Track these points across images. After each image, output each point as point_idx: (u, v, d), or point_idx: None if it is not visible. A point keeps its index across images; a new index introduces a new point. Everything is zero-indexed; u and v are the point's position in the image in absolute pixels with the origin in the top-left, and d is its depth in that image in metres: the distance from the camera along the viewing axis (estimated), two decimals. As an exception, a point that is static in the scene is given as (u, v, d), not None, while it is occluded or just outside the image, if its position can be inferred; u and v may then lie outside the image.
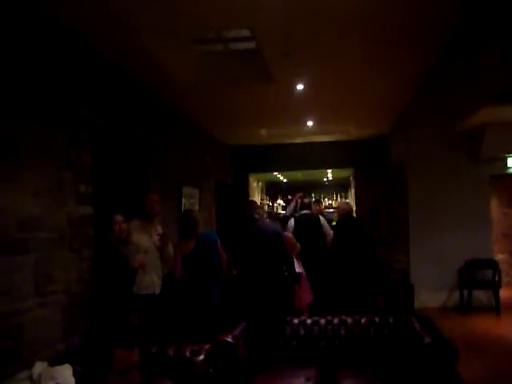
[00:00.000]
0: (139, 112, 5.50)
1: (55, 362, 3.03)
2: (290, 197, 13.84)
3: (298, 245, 6.43)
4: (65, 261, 3.71)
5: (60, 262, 3.65)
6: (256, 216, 5.70)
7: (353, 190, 10.69)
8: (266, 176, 12.71)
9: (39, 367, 2.92)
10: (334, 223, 8.15)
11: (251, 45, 4.48)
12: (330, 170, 12.43)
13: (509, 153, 8.85)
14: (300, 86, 5.84)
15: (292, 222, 7.25)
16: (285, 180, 14.25)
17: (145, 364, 3.20)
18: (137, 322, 4.25)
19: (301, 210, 7.49)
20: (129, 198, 5.18)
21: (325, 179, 14.88)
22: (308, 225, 7.11)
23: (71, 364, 2.98)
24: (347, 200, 12.43)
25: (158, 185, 5.83)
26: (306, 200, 8.46)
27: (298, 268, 6.01)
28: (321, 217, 7.47)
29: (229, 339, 3.77)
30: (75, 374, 2.90)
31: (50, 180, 3.59)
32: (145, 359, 3.28)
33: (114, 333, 2.71)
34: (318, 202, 9.67)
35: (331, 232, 7.15)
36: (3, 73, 3.19)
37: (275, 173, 12.14)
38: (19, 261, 3.24)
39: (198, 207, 7.21)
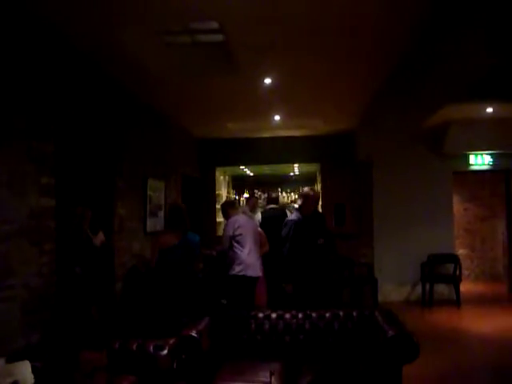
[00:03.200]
0: (105, 103, 5.39)
1: (13, 358, 2.95)
2: (254, 193, 13.85)
3: (268, 246, 6.45)
4: (25, 254, 3.61)
5: (19, 255, 3.55)
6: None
7: (319, 185, 10.75)
8: (233, 170, 12.68)
9: (-4, 364, 2.84)
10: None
11: (219, 37, 4.44)
12: (296, 165, 12.48)
13: (471, 150, 9.07)
14: (268, 80, 5.82)
15: (259, 216, 7.24)
16: (251, 174, 14.25)
17: (108, 360, 3.16)
18: (97, 318, 4.19)
19: (268, 204, 7.49)
20: (93, 191, 5.10)
21: (292, 174, 14.93)
22: (275, 219, 7.09)
23: (30, 361, 2.91)
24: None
25: (122, 177, 5.74)
26: (274, 194, 8.49)
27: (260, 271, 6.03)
28: (288, 211, 7.50)
29: (193, 334, 3.75)
30: (34, 370, 2.83)
31: (10, 171, 3.48)
32: (108, 355, 3.24)
33: (79, 332, 2.67)
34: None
35: None
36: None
37: (242, 167, 12.12)
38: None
39: (163, 201, 7.13)
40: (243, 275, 5.79)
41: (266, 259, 6.29)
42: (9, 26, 3.56)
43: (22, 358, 2.91)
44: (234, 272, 5.82)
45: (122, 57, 4.84)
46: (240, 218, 6.07)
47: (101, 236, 4.67)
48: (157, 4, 3.74)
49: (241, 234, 5.88)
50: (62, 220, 4.18)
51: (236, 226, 5.94)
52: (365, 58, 5.15)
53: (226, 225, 6.12)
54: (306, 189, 6.41)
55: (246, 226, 6.03)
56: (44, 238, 3.88)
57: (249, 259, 5.85)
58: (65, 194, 4.40)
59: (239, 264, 5.81)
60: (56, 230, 4.05)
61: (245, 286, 5.79)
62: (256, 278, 5.91)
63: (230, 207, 6.27)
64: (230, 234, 5.89)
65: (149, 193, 6.58)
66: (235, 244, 5.86)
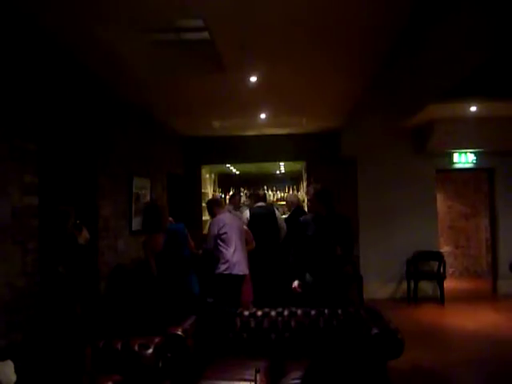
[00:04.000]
0: (90, 101, 5.34)
1: (-4, 358, 2.92)
2: (240, 191, 13.83)
3: (254, 243, 6.46)
4: (7, 253, 3.57)
5: (2, 254, 3.51)
6: None
7: (305, 183, 10.78)
8: (219, 168, 12.66)
9: (-21, 364, 2.81)
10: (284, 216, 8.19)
11: (204, 35, 4.42)
12: (282, 163, 12.50)
13: (454, 148, 9.16)
14: (253, 78, 5.82)
15: (247, 213, 7.22)
16: (237, 172, 14.24)
17: (93, 359, 3.14)
18: (81, 316, 4.16)
19: (255, 202, 7.49)
20: (77, 189, 5.06)
21: (277, 172, 14.95)
22: (263, 217, 7.09)
23: (13, 360, 2.88)
24: (297, 193, 12.53)
25: (107, 175, 5.70)
26: (261, 192, 8.50)
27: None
28: (276, 210, 7.50)
29: (178, 332, 3.75)
30: (17, 370, 2.81)
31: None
32: (93, 354, 3.23)
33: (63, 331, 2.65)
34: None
35: (285, 225, 7.16)
36: None
37: (228, 165, 12.11)
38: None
39: (148, 198, 7.10)
40: (229, 274, 5.79)
41: (252, 257, 6.30)
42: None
43: (4, 358, 2.88)
44: (219, 271, 5.82)
45: (107, 54, 4.79)
46: (225, 217, 6.06)
47: (85, 234, 4.64)
48: (142, 2, 3.72)
49: (226, 233, 5.87)
50: (46, 219, 4.14)
51: (221, 224, 5.93)
52: (350, 57, 5.17)
53: (210, 224, 6.11)
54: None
55: (231, 224, 6.03)
56: (27, 237, 3.84)
57: (234, 257, 5.84)
58: (49, 193, 4.36)
59: (224, 263, 5.81)
60: (39, 229, 4.01)
61: (231, 284, 5.79)
62: (242, 276, 5.92)
63: (215, 205, 6.26)
64: (215, 233, 5.88)
65: (134, 191, 6.55)
66: (220, 243, 5.86)
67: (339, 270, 4.92)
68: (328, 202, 5.05)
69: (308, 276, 4.97)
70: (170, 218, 5.59)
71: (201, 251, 6.21)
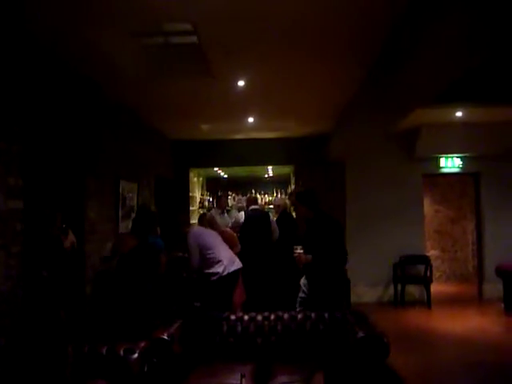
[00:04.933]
0: (77, 102, 5.31)
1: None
2: (228, 194, 13.83)
3: (239, 246, 6.49)
4: (-9, 257, 3.54)
5: (-14, 258, 3.48)
6: None
7: (293, 187, 10.79)
8: (207, 171, 12.64)
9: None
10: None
11: (193, 39, 4.43)
12: (270, 167, 12.51)
13: (441, 153, 9.23)
14: (241, 83, 5.83)
15: (242, 215, 7.26)
16: (225, 176, 14.23)
17: (77, 364, 3.11)
18: (65, 321, 4.13)
19: (250, 205, 7.52)
20: (63, 192, 5.01)
21: (266, 175, 14.96)
22: (258, 220, 7.15)
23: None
24: (285, 197, 12.55)
25: (94, 178, 5.66)
26: (254, 196, 8.57)
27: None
28: (270, 213, 7.60)
29: (164, 336, 3.72)
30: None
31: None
32: (77, 358, 3.19)
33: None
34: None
35: (277, 228, 7.21)
36: None
37: (216, 168, 12.11)
38: None
39: (135, 202, 7.06)
40: (227, 273, 5.77)
41: (246, 258, 6.32)
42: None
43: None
44: (218, 275, 5.75)
45: (96, 56, 4.79)
46: (197, 229, 6.23)
47: (71, 237, 4.60)
48: (131, 5, 3.71)
49: (204, 240, 5.89)
50: (31, 222, 4.10)
51: (197, 234, 5.99)
52: (339, 60, 5.19)
53: (189, 238, 5.92)
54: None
55: (205, 232, 6.14)
56: (11, 241, 3.80)
57: (226, 254, 5.86)
58: (34, 195, 4.32)
59: (219, 263, 5.77)
60: (24, 233, 3.97)
61: (231, 282, 5.80)
62: (239, 270, 5.91)
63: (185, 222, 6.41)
64: (197, 243, 5.84)
65: (121, 194, 6.51)
66: (205, 251, 5.81)
67: (333, 273, 4.89)
68: (311, 203, 4.99)
69: (303, 279, 4.98)
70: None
71: (195, 275, 6.13)
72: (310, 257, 4.82)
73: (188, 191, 10.46)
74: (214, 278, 5.78)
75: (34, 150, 4.35)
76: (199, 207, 11.96)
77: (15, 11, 3.72)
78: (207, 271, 5.80)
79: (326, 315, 4.24)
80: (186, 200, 10.39)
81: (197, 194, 11.91)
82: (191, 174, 10.75)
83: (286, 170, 11.96)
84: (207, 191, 13.81)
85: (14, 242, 3.84)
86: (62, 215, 4.59)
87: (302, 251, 4.94)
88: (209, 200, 13.08)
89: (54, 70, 4.74)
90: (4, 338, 3.60)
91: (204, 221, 6.51)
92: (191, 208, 10.69)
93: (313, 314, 4.26)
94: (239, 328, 4.23)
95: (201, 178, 12.81)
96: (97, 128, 5.86)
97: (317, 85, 6.15)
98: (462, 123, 8.22)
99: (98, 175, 5.80)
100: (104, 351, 3.50)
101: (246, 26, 4.18)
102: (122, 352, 3.48)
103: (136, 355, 3.46)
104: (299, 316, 4.26)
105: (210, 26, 4.15)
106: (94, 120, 5.80)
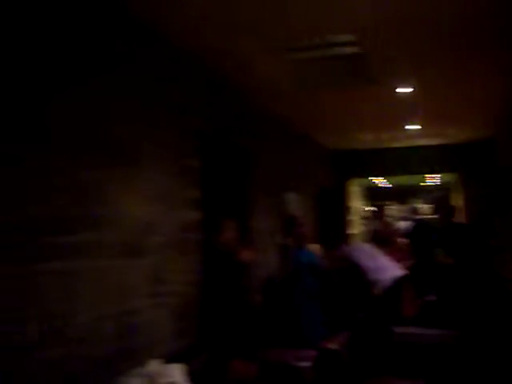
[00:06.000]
0: (240, 119, 5.61)
1: (169, 361, 3.15)
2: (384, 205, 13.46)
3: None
4: (176, 264, 3.86)
5: (172, 264, 3.80)
6: None
7: (460, 195, 10.15)
8: (365, 180, 12.50)
9: (154, 365, 3.05)
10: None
11: (355, 50, 4.43)
12: (431, 175, 12.00)
13: None
14: (402, 89, 5.72)
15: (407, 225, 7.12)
16: (384, 184, 13.91)
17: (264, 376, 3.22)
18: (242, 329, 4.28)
19: (412, 214, 7.32)
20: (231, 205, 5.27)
21: (427, 183, 14.31)
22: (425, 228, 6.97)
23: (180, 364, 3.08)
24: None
25: (257, 190, 5.91)
26: (414, 206, 8.25)
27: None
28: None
29: (334, 347, 3.73)
30: (188, 374, 3.00)
31: (163, 186, 3.77)
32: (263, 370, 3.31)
33: (231, 341, 2.75)
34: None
35: None
36: (133, 86, 3.47)
37: (371, 178, 11.95)
38: (134, 264, 3.41)
39: (298, 212, 7.21)
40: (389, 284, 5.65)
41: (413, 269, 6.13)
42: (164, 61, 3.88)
43: (177, 361, 3.09)
44: (383, 284, 5.68)
45: (253, 71, 4.99)
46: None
47: (249, 254, 4.67)
48: (288, 21, 3.83)
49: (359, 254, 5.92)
50: (208, 232, 4.36)
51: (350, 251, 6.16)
52: (502, 57, 4.84)
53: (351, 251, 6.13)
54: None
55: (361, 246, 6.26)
56: (193, 249, 4.13)
57: (376, 264, 5.76)
58: (209, 207, 4.59)
59: (380, 273, 5.70)
60: (203, 242, 4.28)
61: (395, 289, 5.68)
62: (401, 277, 5.73)
63: None
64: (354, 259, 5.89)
65: (283, 205, 6.70)
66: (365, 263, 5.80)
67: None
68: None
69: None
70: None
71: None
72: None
73: (347, 201, 10.40)
74: (375, 290, 5.67)
75: (211, 165, 4.66)
76: (361, 217, 11.79)
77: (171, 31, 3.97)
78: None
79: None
80: (345, 210, 10.33)
81: (356, 203, 11.79)
82: (351, 184, 10.69)
83: (448, 177, 11.37)
84: (367, 201, 13.58)
85: (196, 249, 4.17)
86: (236, 224, 4.70)
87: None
88: (372, 210, 12.80)
89: (220, 88, 5.07)
90: (187, 338, 3.90)
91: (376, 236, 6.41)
92: (348, 218, 10.60)
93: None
94: (410, 342, 4.10)
95: (359, 188, 12.68)
96: (261, 142, 6.11)
97: (483, 88, 5.80)
98: None
99: (261, 187, 6.03)
100: (275, 359, 3.61)
101: (407, 32, 4.10)
102: (293, 360, 3.57)
103: (309, 364, 3.52)
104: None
105: (372, 35, 4.12)
106: (258, 135, 6.06)
